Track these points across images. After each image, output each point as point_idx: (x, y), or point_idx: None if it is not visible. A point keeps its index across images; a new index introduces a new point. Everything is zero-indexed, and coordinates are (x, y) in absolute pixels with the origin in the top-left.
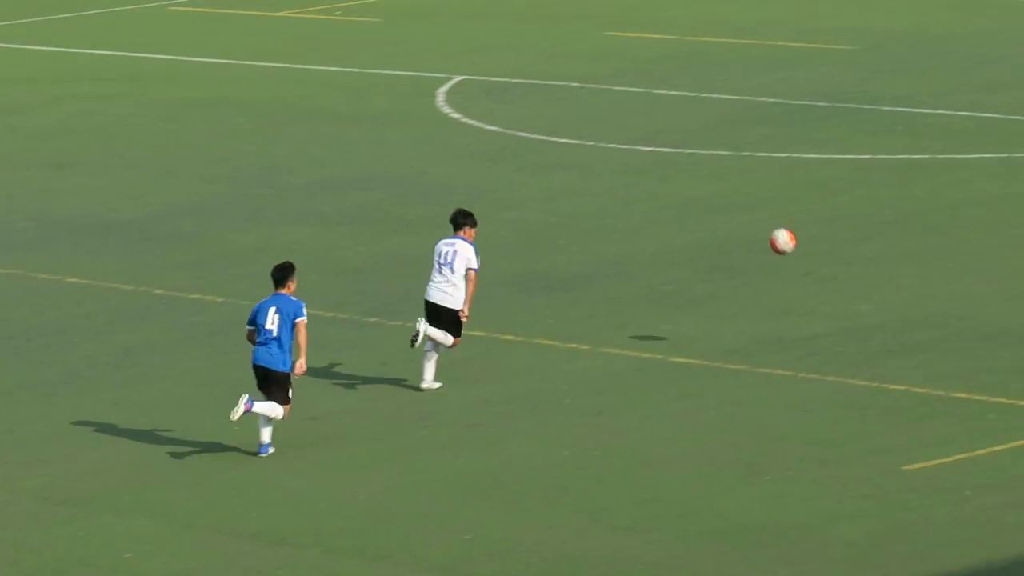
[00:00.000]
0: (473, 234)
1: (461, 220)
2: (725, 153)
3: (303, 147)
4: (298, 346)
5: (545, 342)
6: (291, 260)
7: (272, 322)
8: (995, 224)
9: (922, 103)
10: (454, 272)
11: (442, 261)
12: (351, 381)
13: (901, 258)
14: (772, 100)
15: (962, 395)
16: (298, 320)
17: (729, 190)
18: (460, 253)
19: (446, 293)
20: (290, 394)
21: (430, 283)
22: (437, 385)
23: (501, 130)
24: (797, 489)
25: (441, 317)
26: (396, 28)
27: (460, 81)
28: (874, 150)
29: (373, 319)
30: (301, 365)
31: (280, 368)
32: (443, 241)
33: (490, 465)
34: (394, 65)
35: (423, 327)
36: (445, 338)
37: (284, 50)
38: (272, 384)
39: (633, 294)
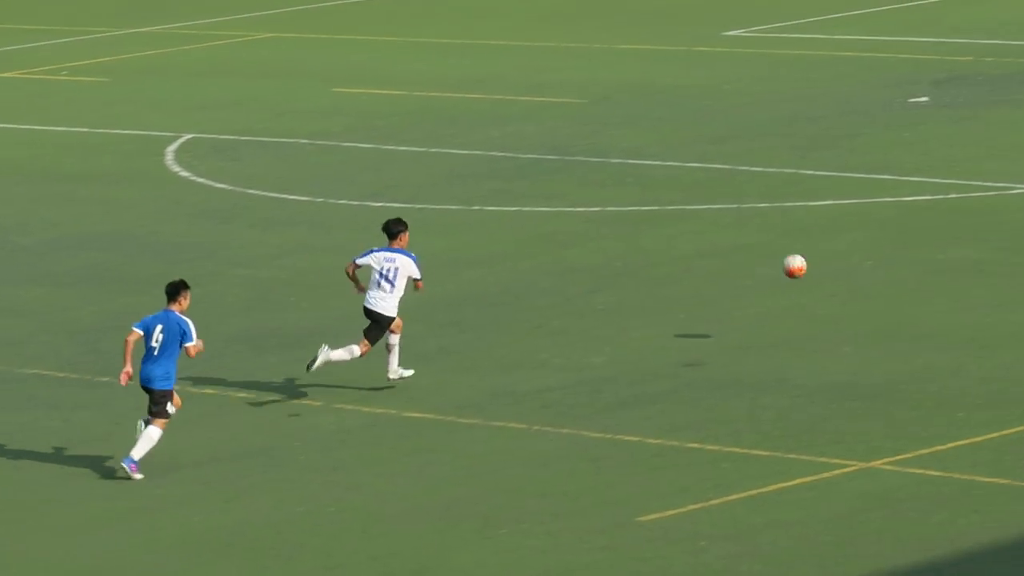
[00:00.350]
0: (407, 238)
1: (397, 228)
2: (455, 208)
3: (31, 207)
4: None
5: (278, 399)
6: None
7: (156, 340)
8: (726, 274)
9: (651, 155)
10: (395, 287)
11: (385, 275)
12: (83, 440)
13: (632, 310)
14: (501, 154)
15: (695, 445)
16: (188, 346)
17: (460, 245)
18: (402, 270)
19: (386, 303)
20: (169, 409)
21: (370, 294)
22: (409, 372)
23: (231, 188)
24: (532, 542)
25: (382, 323)
26: (123, 87)
27: (189, 139)
28: (604, 202)
29: (105, 379)
30: (196, 346)
31: (160, 386)
32: (383, 255)
33: (225, 522)
34: (122, 124)
35: (323, 355)
36: (352, 350)
37: (10, 110)
38: (154, 400)
39: None
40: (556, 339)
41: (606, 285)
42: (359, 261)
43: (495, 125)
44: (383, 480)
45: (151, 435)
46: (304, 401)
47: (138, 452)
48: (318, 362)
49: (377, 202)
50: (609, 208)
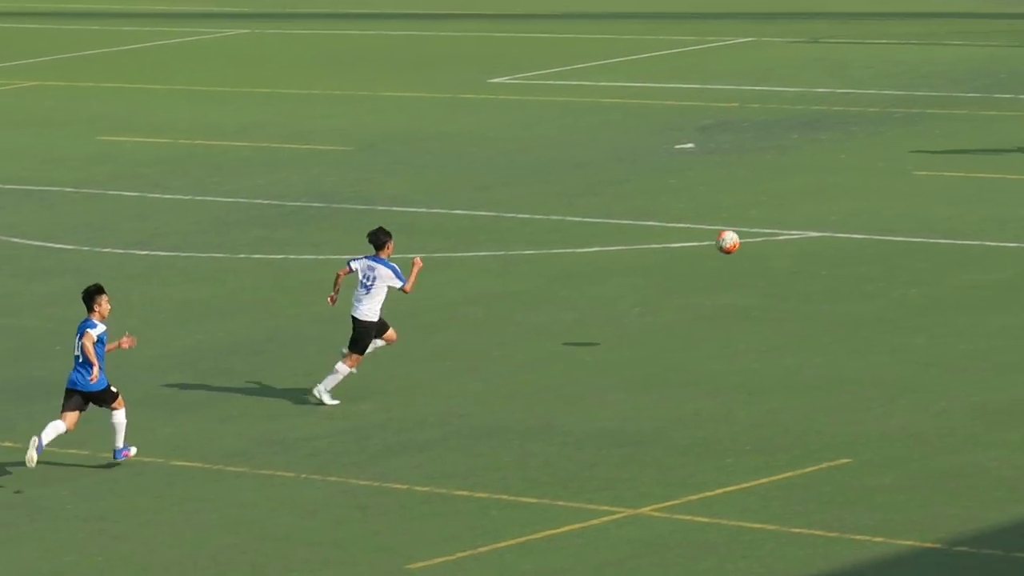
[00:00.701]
0: (392, 247)
1: (383, 239)
2: (221, 256)
3: None
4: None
5: (45, 448)
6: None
7: (77, 348)
8: (493, 321)
9: (417, 202)
10: (371, 293)
11: (365, 282)
12: None
13: (400, 357)
14: (267, 202)
15: (464, 493)
16: (86, 331)
17: (226, 292)
18: (380, 278)
19: (363, 308)
20: (114, 390)
21: (355, 300)
22: (334, 401)
23: None
24: None
25: (365, 330)
26: None
27: None
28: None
29: None
30: (95, 375)
31: (97, 387)
32: (366, 263)
33: None
34: None
35: (323, 393)
36: (342, 369)
37: None
38: (97, 402)
39: (133, 398)
40: None
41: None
42: (353, 264)
43: (261, 173)
44: (151, 529)
45: (119, 420)
46: (70, 450)
47: (120, 440)
48: (326, 399)
49: (143, 250)
50: None
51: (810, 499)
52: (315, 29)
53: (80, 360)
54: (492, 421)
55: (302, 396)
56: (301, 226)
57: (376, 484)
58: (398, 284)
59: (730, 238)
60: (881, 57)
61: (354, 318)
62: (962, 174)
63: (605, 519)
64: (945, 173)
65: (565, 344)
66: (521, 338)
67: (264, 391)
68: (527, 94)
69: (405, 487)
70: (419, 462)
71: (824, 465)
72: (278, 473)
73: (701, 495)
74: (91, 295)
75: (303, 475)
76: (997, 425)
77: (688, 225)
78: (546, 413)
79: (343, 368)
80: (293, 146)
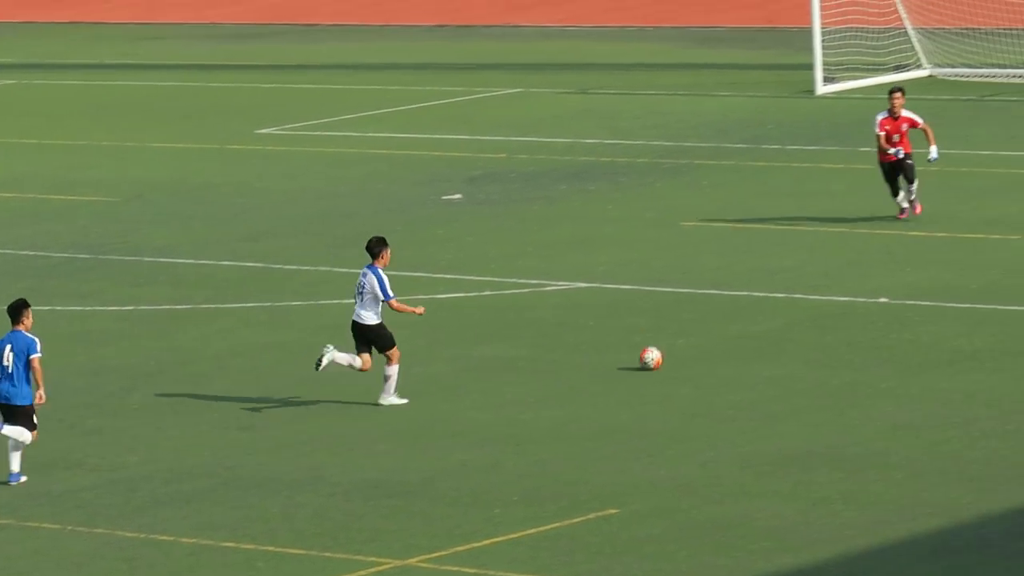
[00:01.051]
0: (388, 256)
1: (377, 248)
2: None
3: None
4: (35, 380)
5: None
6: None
7: (7, 359)
8: (260, 372)
9: (184, 253)
10: (365, 301)
11: (358, 290)
12: None
13: (167, 408)
14: (33, 253)
15: (230, 544)
16: (32, 357)
17: None
18: (368, 286)
19: (364, 315)
20: (35, 420)
21: (356, 308)
22: (402, 401)
23: None
24: None
25: (365, 334)
26: None
27: None
28: (137, 301)
29: None
30: (40, 396)
31: (21, 401)
32: (362, 271)
33: None
34: None
35: (329, 354)
36: (353, 360)
37: None
38: (17, 416)
39: None
40: (91, 438)
41: (141, 384)
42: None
43: (27, 224)
44: None
45: (23, 436)
46: None
47: (16, 464)
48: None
49: None
50: (142, 307)
51: (578, 549)
52: (82, 80)
53: (10, 371)
54: (259, 472)
55: (69, 448)
56: (68, 277)
57: (143, 536)
58: (380, 296)
59: (651, 358)
60: (649, 108)
61: (357, 324)
62: (730, 225)
63: (372, 570)
64: (713, 224)
65: (333, 395)
66: (289, 388)
67: (30, 443)
68: (294, 145)
69: (172, 538)
70: (186, 513)
71: (592, 515)
72: (44, 525)
73: (468, 546)
74: (19, 309)
75: (69, 527)
76: (764, 475)
77: (455, 276)
78: (314, 464)
79: (391, 369)
80: (60, 197)
